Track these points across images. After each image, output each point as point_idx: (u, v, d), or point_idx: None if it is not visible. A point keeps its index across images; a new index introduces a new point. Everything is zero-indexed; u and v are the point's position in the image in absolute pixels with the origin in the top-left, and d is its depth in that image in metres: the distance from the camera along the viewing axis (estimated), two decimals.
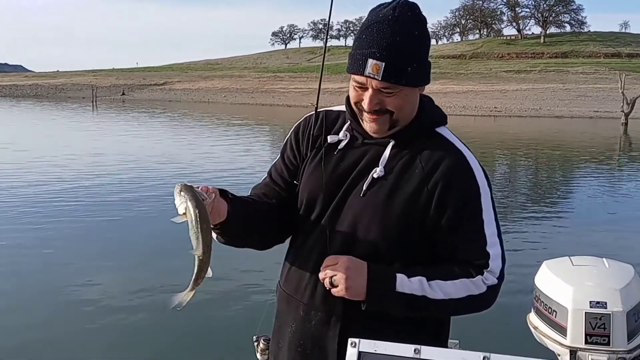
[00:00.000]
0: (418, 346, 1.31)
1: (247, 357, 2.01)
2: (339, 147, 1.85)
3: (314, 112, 1.96)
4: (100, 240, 9.14)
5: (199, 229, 1.60)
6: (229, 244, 1.88)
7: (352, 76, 1.75)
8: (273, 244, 1.98)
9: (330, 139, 1.87)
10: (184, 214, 1.62)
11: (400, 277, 1.68)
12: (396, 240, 1.74)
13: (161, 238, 9.31)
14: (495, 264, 1.74)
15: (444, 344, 1.90)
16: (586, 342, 2.57)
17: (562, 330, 2.66)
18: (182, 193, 1.62)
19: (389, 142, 1.79)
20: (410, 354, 1.28)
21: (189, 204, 1.60)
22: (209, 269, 1.65)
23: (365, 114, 1.76)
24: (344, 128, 1.87)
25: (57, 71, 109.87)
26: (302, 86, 65.91)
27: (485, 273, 1.73)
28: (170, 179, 14.54)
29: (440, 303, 1.70)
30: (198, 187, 1.66)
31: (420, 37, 1.73)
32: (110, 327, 5.93)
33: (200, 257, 1.63)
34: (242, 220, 1.80)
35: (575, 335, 2.60)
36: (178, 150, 21.14)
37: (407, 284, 1.68)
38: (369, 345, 1.28)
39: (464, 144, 1.84)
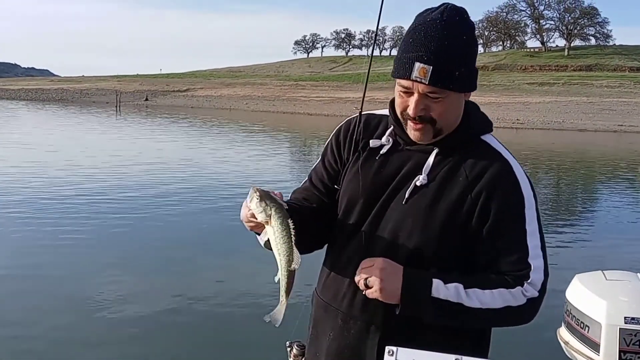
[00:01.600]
0: (459, 356, 1.26)
1: None
2: (381, 152, 1.82)
3: (356, 115, 1.93)
4: (118, 244, 9.18)
5: (292, 240, 1.59)
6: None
7: (398, 81, 1.71)
8: (314, 249, 1.94)
9: (373, 143, 1.84)
10: (267, 222, 1.59)
11: (436, 282, 1.65)
12: (437, 249, 1.71)
13: (180, 243, 9.35)
14: (536, 276, 1.69)
15: (485, 354, 1.86)
16: (620, 359, 2.51)
17: (594, 346, 2.60)
18: (266, 201, 1.59)
19: (432, 150, 1.76)
20: None
21: (278, 213, 1.58)
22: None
23: (409, 122, 1.73)
24: (387, 133, 1.84)
25: (83, 76, 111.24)
26: (323, 95, 65.99)
27: (525, 284, 1.68)
28: (188, 183, 14.61)
29: (476, 312, 1.65)
30: (272, 193, 1.65)
31: (468, 42, 1.70)
32: (128, 332, 5.93)
33: (291, 269, 1.62)
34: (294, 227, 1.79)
35: (608, 351, 2.54)
36: (198, 155, 21.26)
37: (442, 289, 1.65)
38: (407, 354, 1.24)
39: (510, 153, 1.80)
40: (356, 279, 1.70)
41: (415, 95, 1.68)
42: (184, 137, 29.43)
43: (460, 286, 1.66)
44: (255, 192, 1.62)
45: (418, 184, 1.74)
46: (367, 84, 2.16)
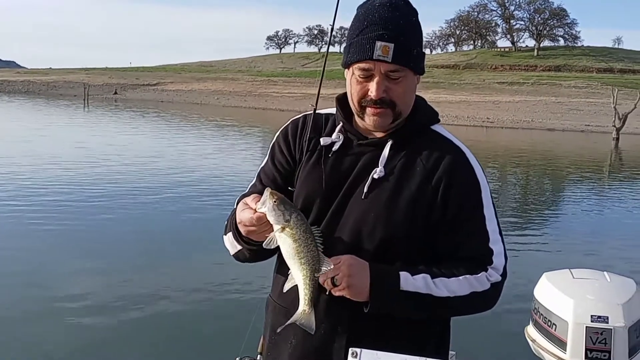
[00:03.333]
0: (423, 358, 1.22)
1: None
2: (334, 149, 1.79)
3: (301, 115, 1.90)
4: (86, 240, 9.01)
5: (315, 245, 1.55)
6: (246, 259, 1.83)
7: (355, 67, 1.69)
8: (266, 258, 1.84)
9: (323, 141, 1.81)
10: (282, 228, 1.54)
11: (404, 275, 1.64)
12: (402, 241, 1.70)
13: (149, 239, 9.21)
14: (498, 260, 1.72)
15: (446, 353, 1.86)
16: (586, 357, 2.51)
17: (561, 344, 2.60)
18: (285, 206, 1.54)
19: (386, 142, 1.74)
20: None
21: (301, 219, 1.55)
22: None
23: (368, 109, 1.71)
24: (337, 130, 1.81)
25: (50, 68, 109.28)
26: (295, 91, 65.89)
27: (489, 270, 1.70)
28: (158, 178, 14.43)
29: (445, 301, 1.65)
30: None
31: (417, 23, 1.75)
32: (87, 330, 5.81)
33: (317, 276, 1.58)
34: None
35: (575, 349, 2.54)
36: (166, 149, 21.04)
37: (411, 281, 1.63)
38: (371, 356, 1.19)
39: (460, 141, 1.82)
40: (321, 278, 1.63)
41: (377, 77, 1.68)
42: (153, 131, 29.10)
43: (428, 276, 1.65)
44: (272, 196, 1.55)
45: (376, 177, 1.72)
46: (321, 82, 2.10)
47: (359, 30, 1.69)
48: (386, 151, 1.74)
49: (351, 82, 1.73)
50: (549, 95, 65.40)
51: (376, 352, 1.21)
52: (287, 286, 1.64)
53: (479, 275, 1.68)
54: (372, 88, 1.68)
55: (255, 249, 1.73)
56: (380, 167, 1.72)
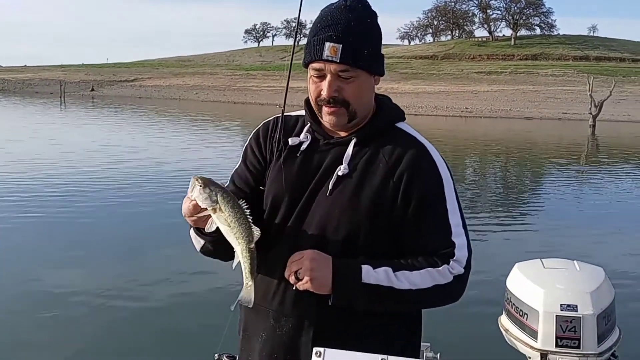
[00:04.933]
0: (385, 356, 1.25)
1: None
2: (301, 149, 1.84)
3: (272, 117, 1.96)
4: (65, 236, 8.96)
5: (245, 217, 1.58)
6: (212, 253, 1.85)
7: (310, 67, 1.75)
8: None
9: (292, 141, 1.86)
10: (214, 209, 1.57)
11: (365, 268, 1.68)
12: (365, 236, 1.73)
13: (129, 233, 9.17)
14: (461, 253, 1.75)
15: (416, 346, 1.89)
16: (557, 345, 2.56)
17: (532, 333, 2.65)
18: (210, 187, 1.57)
19: (350, 140, 1.79)
20: None
21: (226, 196, 1.57)
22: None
23: (324, 108, 1.76)
24: (305, 130, 1.87)
25: (25, 66, 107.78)
26: (274, 84, 65.66)
27: (451, 262, 1.73)
28: (137, 173, 14.35)
29: (407, 294, 1.68)
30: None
31: (373, 25, 1.78)
32: (66, 324, 5.78)
33: (252, 247, 1.62)
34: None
35: (545, 338, 2.59)
36: (145, 144, 20.91)
37: (372, 274, 1.67)
38: (335, 355, 1.22)
39: (425, 138, 1.85)
40: (286, 273, 1.70)
41: (328, 77, 1.73)
42: (131, 127, 28.89)
43: (390, 269, 1.69)
44: (197, 180, 1.60)
45: (340, 174, 1.76)
46: (289, 77, 2.15)
47: (314, 32, 1.75)
48: (350, 149, 1.78)
49: (309, 82, 1.79)
50: (527, 84, 65.98)
51: (340, 351, 1.23)
52: (234, 264, 1.68)
53: (440, 268, 1.71)
54: (324, 87, 1.74)
55: (216, 240, 1.74)
56: (344, 164, 1.77)
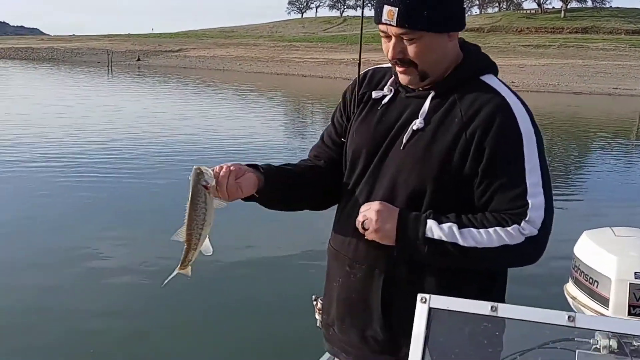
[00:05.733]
0: (495, 303, 1.25)
1: (309, 318, 2.04)
2: (383, 103, 1.85)
3: (364, 71, 1.98)
4: (111, 203, 9.18)
5: (186, 216, 1.65)
6: (274, 208, 1.96)
7: (379, 28, 1.75)
8: (328, 206, 2.02)
9: (375, 94, 1.88)
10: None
11: (430, 222, 1.68)
12: (434, 192, 1.73)
13: (170, 206, 9.33)
14: (535, 213, 1.66)
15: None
16: (629, 314, 2.54)
17: (603, 301, 2.63)
18: (189, 177, 1.64)
19: (429, 93, 1.78)
20: (487, 311, 1.22)
21: (189, 189, 1.64)
22: (208, 246, 1.70)
23: (395, 67, 1.78)
24: (389, 83, 1.87)
25: (73, 35, 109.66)
26: (317, 56, 65.34)
27: (522, 223, 1.66)
28: (181, 145, 14.54)
29: (472, 251, 1.66)
30: (211, 169, 1.69)
31: None
32: (120, 290, 5.96)
33: (184, 243, 1.68)
34: (278, 191, 1.87)
35: (617, 306, 2.57)
36: (191, 114, 21.13)
37: (436, 230, 1.67)
38: (440, 301, 1.23)
39: (512, 91, 1.78)
40: (356, 223, 1.75)
41: (392, 39, 1.72)
42: (176, 96, 29.23)
43: (455, 226, 1.67)
44: (194, 171, 1.68)
45: (415, 128, 1.76)
46: (362, 38, 2.11)
47: None
48: (427, 102, 1.77)
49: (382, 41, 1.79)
50: (576, 58, 64.09)
51: (446, 297, 1.25)
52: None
53: (510, 227, 1.65)
54: (390, 49, 1.74)
55: (266, 199, 1.86)
56: (419, 118, 1.76)
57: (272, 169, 1.87)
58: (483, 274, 1.82)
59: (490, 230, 1.66)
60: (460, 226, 1.67)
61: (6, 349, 4.83)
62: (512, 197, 1.67)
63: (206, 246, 1.70)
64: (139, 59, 68.43)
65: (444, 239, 1.66)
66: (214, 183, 1.66)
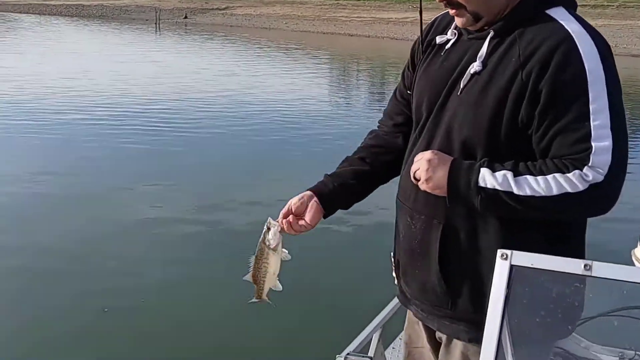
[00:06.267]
0: (589, 261, 1.13)
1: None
2: (446, 47, 1.77)
3: (432, 19, 1.90)
4: (154, 159, 9.28)
5: (252, 264, 1.84)
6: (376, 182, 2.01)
7: None
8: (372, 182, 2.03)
9: (439, 39, 1.80)
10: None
11: (484, 170, 1.57)
12: (488, 141, 1.62)
13: (222, 164, 9.36)
14: (600, 158, 1.50)
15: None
16: None
17: None
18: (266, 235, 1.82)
19: (487, 34, 1.66)
20: (579, 270, 1.10)
21: (263, 247, 1.82)
22: (278, 286, 1.87)
23: (448, 10, 1.72)
24: (452, 27, 1.78)
25: None
26: (365, 15, 64.25)
27: (585, 168, 1.50)
28: (225, 101, 14.57)
29: (529, 200, 1.53)
30: (279, 220, 1.83)
31: None
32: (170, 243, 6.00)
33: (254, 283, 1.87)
34: (349, 202, 1.94)
35: None
36: (237, 72, 21.14)
37: (490, 178, 1.56)
38: (524, 258, 1.11)
39: (584, 24, 1.60)
40: (410, 173, 1.70)
41: None
42: (223, 54, 29.29)
43: (510, 173, 1.55)
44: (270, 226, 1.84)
45: (472, 71, 1.66)
46: None
47: None
48: (485, 44, 1.66)
49: None
50: (636, 19, 61.43)
51: (530, 254, 1.13)
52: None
53: (570, 174, 1.50)
54: None
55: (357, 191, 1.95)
56: (477, 61, 1.65)
57: (334, 191, 1.88)
58: (553, 224, 1.67)
59: (549, 177, 1.52)
60: (516, 174, 1.55)
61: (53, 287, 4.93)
62: (573, 141, 1.52)
63: (275, 286, 1.87)
64: (186, 17, 68.53)
65: (497, 187, 1.55)
66: (278, 244, 1.81)
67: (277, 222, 1.82)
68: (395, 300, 2.76)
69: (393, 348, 3.34)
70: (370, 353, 2.55)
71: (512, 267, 1.14)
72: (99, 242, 6.11)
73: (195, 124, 11.75)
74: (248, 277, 1.85)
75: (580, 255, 1.70)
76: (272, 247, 1.81)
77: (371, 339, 2.59)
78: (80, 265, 5.65)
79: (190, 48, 32.19)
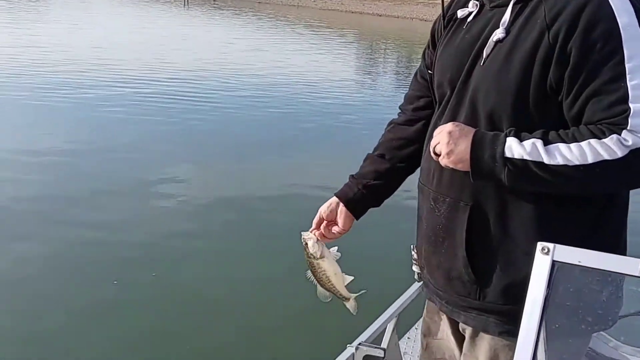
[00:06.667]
0: (623, 256, 0.93)
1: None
2: (468, 20, 1.61)
3: None
4: (173, 134, 9.24)
5: (316, 279, 1.82)
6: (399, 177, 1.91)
7: None
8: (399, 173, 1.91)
9: (460, 13, 1.64)
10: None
11: (510, 140, 1.39)
12: (515, 110, 1.44)
13: (245, 138, 9.28)
14: (638, 121, 1.31)
15: (606, 242, 1.47)
16: None
17: None
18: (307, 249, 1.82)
19: (511, 0, 1.49)
20: (636, 271, 0.90)
21: (311, 260, 1.82)
22: (347, 278, 1.83)
23: None
24: None
25: None
26: None
27: (624, 132, 1.31)
28: (249, 77, 14.47)
29: (563, 171, 1.35)
30: (314, 231, 1.84)
31: None
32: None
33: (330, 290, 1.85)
34: (374, 199, 1.86)
35: None
36: (263, 48, 21.08)
37: (517, 147, 1.38)
38: (568, 254, 0.92)
39: None
40: (430, 148, 1.54)
41: None
42: (249, 31, 29.19)
43: (540, 142, 1.36)
44: (306, 240, 1.83)
45: (495, 39, 1.48)
46: None
47: None
48: (509, 9, 1.49)
49: None
50: None
51: (575, 249, 0.94)
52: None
53: (607, 139, 1.32)
54: None
55: (386, 185, 1.86)
56: (501, 27, 1.48)
57: (359, 194, 1.83)
58: (593, 205, 1.48)
59: (583, 144, 1.34)
60: (546, 142, 1.37)
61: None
62: (609, 104, 1.34)
63: (346, 280, 1.83)
64: None
65: (526, 157, 1.37)
66: (321, 252, 1.80)
67: (311, 233, 1.84)
68: (413, 288, 2.61)
69: (408, 338, 3.20)
70: (384, 344, 2.41)
71: (554, 263, 0.95)
72: (129, 219, 6.10)
73: (219, 100, 11.66)
74: (320, 293, 1.86)
75: (622, 242, 1.57)
76: (317, 257, 1.81)
77: (385, 329, 2.44)
78: (100, 237, 5.65)
79: (219, 23, 32.16)
